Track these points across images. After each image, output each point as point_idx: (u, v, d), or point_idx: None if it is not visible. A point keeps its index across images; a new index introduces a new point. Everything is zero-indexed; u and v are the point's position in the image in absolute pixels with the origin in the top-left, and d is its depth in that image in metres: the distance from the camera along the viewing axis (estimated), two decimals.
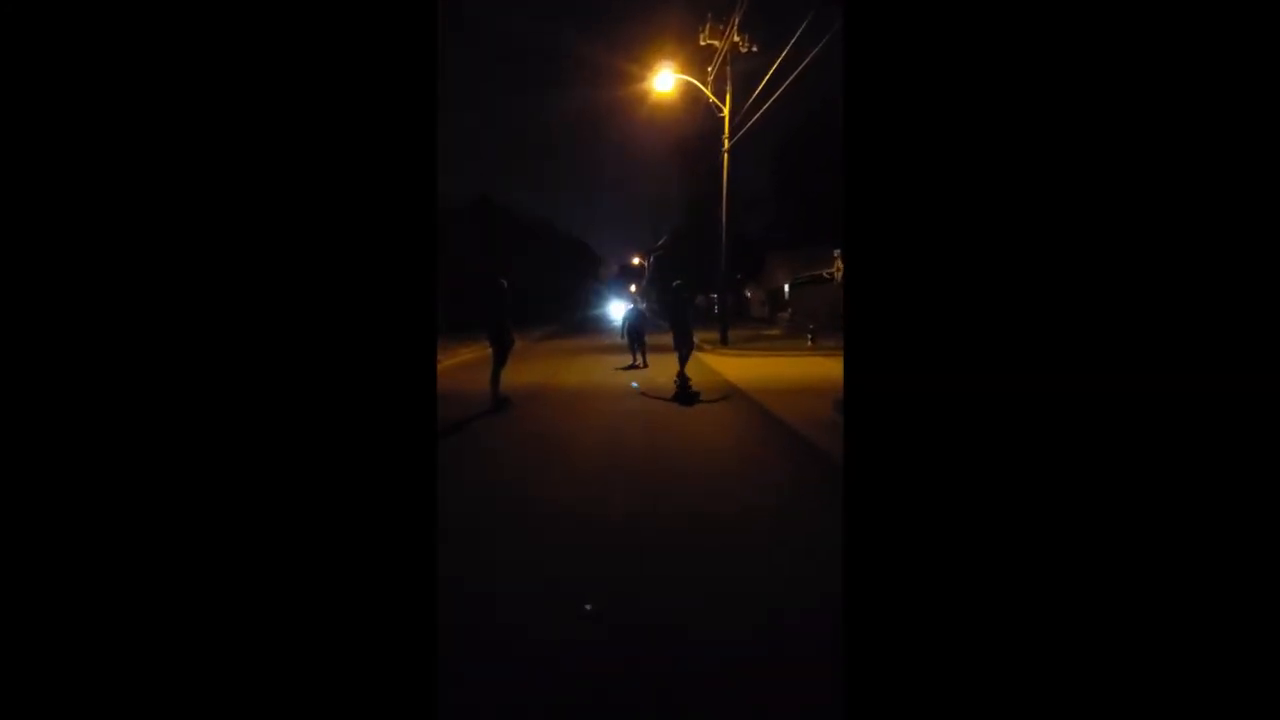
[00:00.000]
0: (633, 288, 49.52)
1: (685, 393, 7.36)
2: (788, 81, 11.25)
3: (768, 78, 11.57)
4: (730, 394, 7.52)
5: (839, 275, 14.81)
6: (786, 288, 24.88)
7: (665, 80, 13.78)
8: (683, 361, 8.01)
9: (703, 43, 13.63)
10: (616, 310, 40.45)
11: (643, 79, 14.28)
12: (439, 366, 10.67)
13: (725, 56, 13.47)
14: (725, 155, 14.27)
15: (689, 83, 13.89)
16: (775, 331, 19.22)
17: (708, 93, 13.86)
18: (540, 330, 23.24)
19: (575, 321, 33.87)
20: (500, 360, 6.54)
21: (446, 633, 1.83)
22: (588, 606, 2.26)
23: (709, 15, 13.44)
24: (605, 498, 3.60)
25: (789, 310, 24.03)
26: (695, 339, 8.57)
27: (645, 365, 10.22)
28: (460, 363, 11.65)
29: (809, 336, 14.26)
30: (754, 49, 13.06)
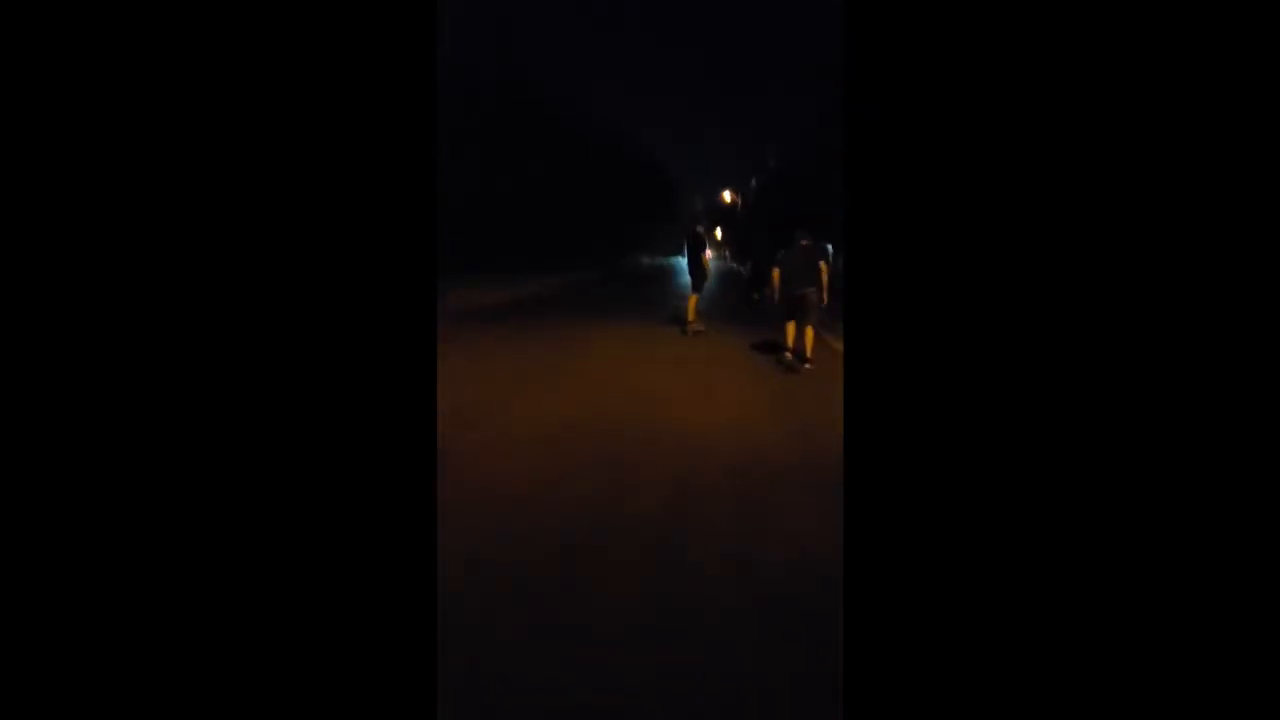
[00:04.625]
0: (718, 232, 38.32)
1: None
2: None
3: None
4: None
5: None
6: None
7: None
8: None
9: None
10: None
11: None
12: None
13: None
14: None
15: None
16: None
17: None
18: (534, 283, 13.60)
19: (619, 270, 23.20)
20: (697, 288, 8.13)
21: None
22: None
23: None
24: None
25: None
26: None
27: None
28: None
29: None
30: None
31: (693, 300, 8.13)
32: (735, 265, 9.61)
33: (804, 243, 6.10)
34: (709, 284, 8.42)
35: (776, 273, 6.16)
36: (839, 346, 6.43)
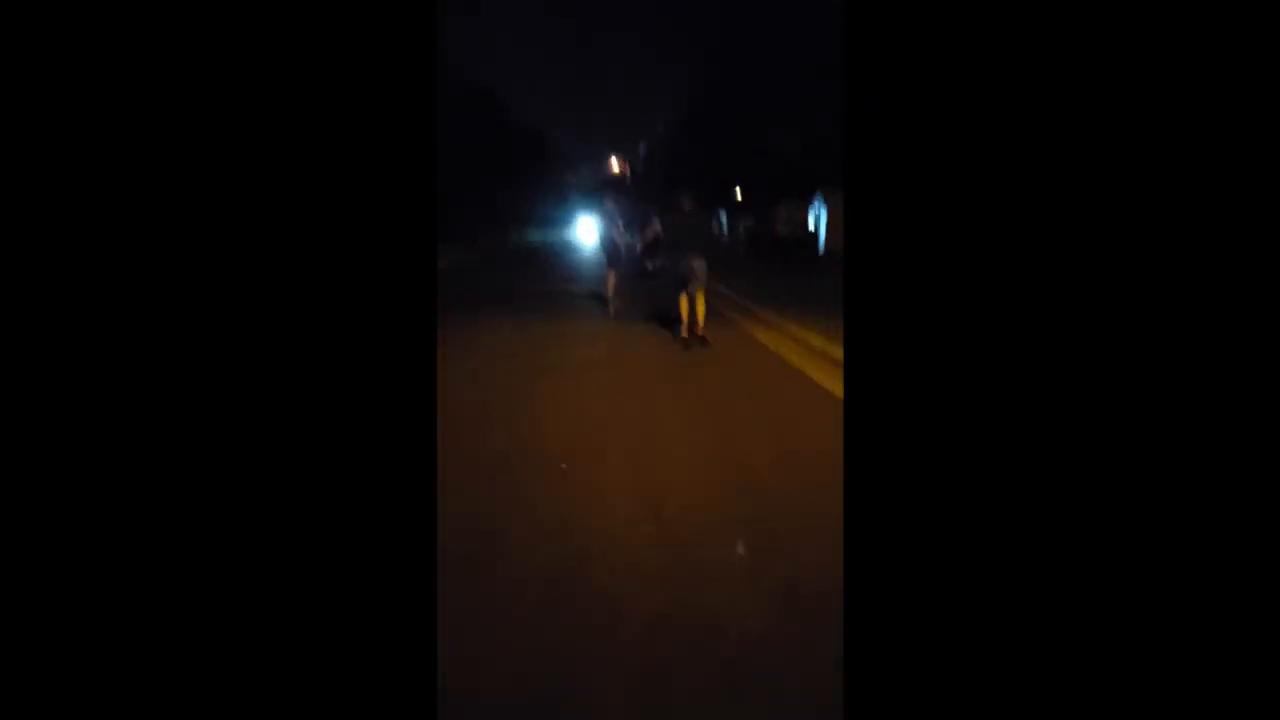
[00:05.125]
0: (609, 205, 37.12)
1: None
2: None
3: None
4: None
5: None
6: None
7: None
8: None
9: None
10: (586, 231, 28.23)
11: None
12: None
13: None
14: None
15: None
16: None
17: None
18: None
19: (508, 254, 21.36)
20: (614, 264, 7.79)
21: None
22: None
23: None
24: None
25: None
26: None
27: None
28: None
29: None
30: None
31: (610, 277, 7.83)
32: (629, 237, 9.10)
33: (687, 208, 5.91)
34: (602, 252, 8.19)
35: (655, 229, 6.09)
36: (824, 347, 5.63)
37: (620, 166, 34.15)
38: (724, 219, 24.06)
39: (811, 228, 18.87)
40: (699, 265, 5.58)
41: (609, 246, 8.02)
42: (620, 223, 8.31)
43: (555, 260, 18.58)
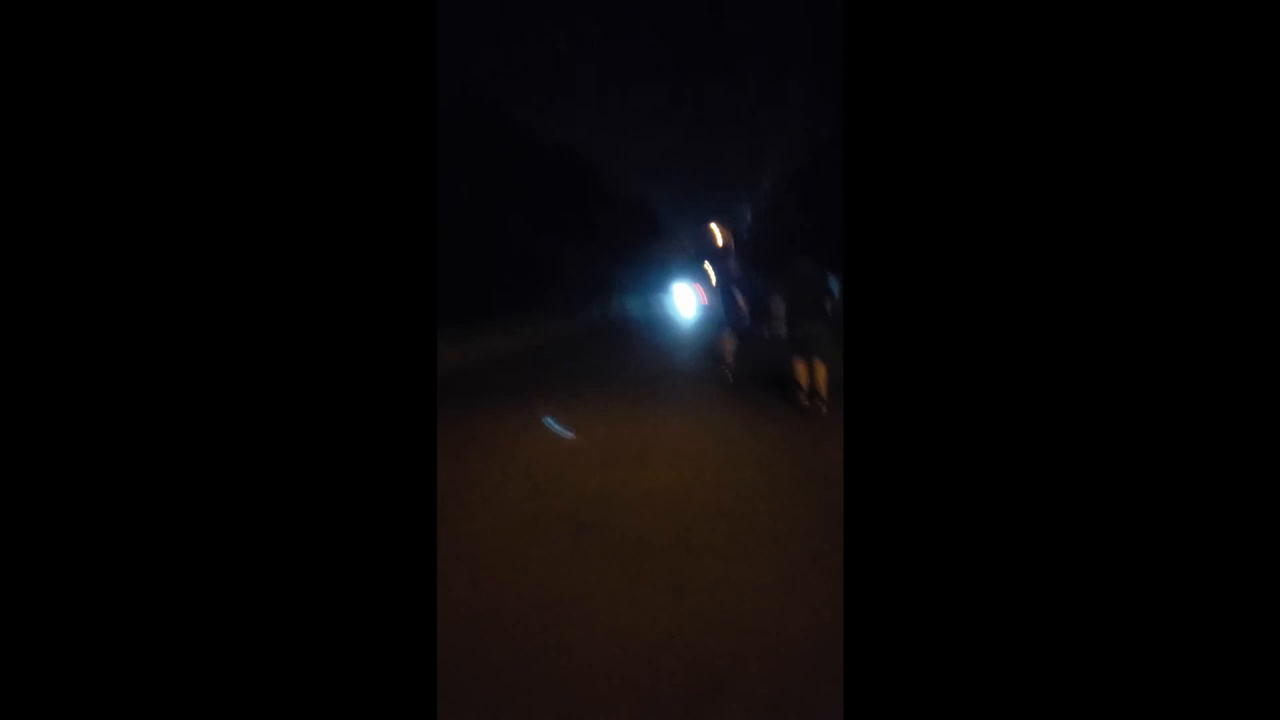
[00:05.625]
0: (707, 267, 36.62)
1: None
2: None
3: None
4: None
5: None
6: None
7: None
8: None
9: None
10: (683, 298, 26.65)
11: None
12: None
13: None
14: None
15: None
16: None
17: None
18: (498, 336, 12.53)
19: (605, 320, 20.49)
20: (729, 331, 7.95)
21: None
22: None
23: None
24: None
25: None
26: None
27: None
28: None
29: None
30: None
31: (727, 341, 8.13)
32: (746, 305, 8.50)
33: (803, 273, 5.63)
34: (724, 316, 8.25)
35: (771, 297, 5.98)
36: None
37: (723, 233, 33.76)
38: (835, 286, 22.72)
39: None
40: (818, 330, 5.42)
41: (731, 312, 8.10)
42: (737, 291, 8.35)
43: (659, 333, 17.87)
